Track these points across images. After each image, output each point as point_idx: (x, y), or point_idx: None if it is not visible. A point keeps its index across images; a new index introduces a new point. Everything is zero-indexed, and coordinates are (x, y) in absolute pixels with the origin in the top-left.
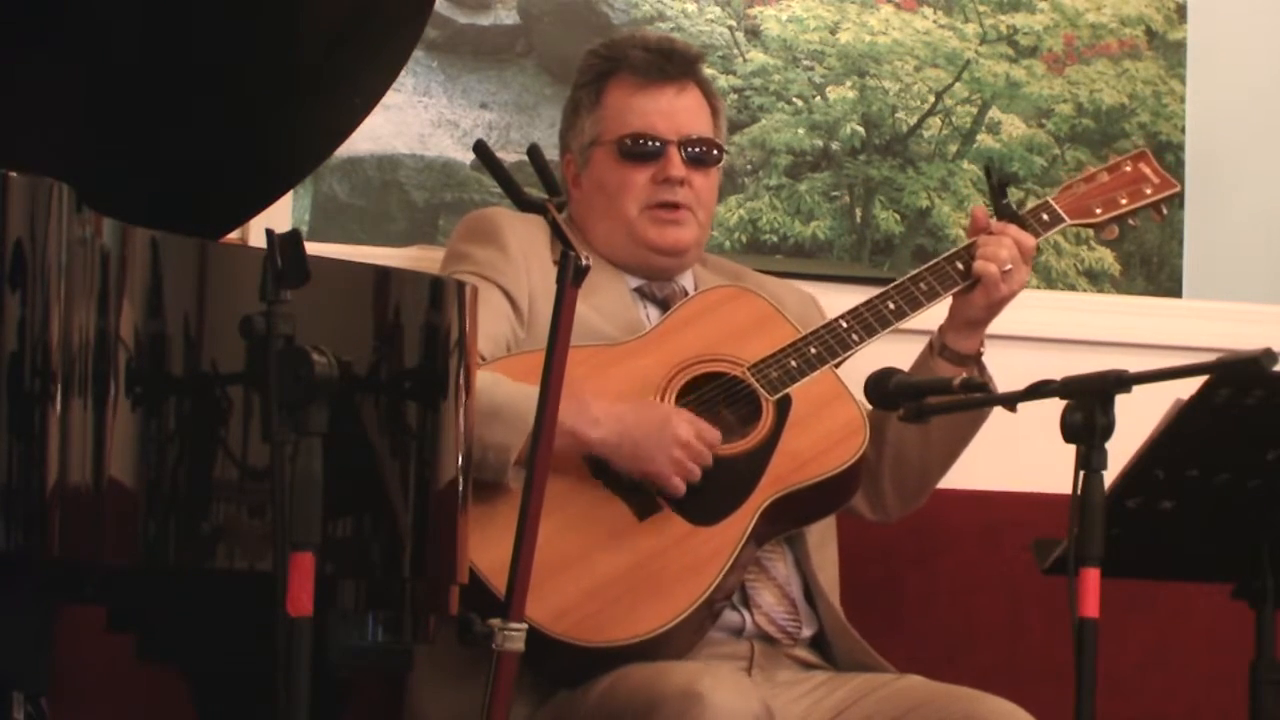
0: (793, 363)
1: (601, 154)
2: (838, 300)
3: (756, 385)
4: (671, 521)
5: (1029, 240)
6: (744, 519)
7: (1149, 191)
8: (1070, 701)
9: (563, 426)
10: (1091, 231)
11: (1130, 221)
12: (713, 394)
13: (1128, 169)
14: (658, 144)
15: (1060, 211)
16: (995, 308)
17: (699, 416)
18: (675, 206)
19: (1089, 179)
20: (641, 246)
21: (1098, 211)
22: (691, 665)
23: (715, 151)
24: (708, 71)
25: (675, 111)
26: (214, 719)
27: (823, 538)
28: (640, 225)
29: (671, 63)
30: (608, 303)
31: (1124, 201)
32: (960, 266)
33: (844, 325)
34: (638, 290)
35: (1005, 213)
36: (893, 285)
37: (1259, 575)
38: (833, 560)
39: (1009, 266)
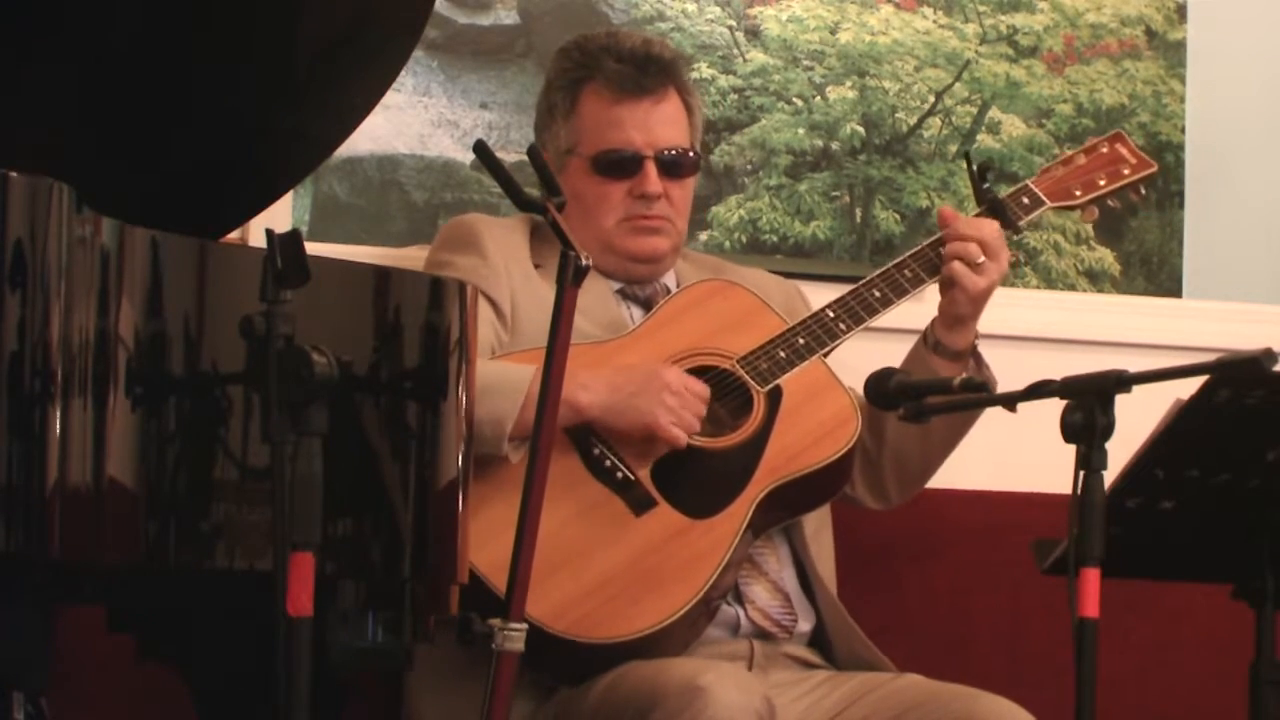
0: (782, 354)
1: (577, 165)
2: None
3: (747, 377)
4: (667, 516)
5: (990, 232)
6: (740, 511)
7: (1127, 172)
8: (1070, 701)
9: None
10: (1091, 230)
11: (1110, 202)
12: None
13: (1104, 150)
14: (634, 158)
15: (1040, 194)
16: (978, 302)
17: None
18: (651, 217)
19: (1067, 161)
20: (618, 256)
21: (1077, 193)
22: (694, 660)
23: (691, 156)
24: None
25: (651, 124)
26: (214, 719)
27: (818, 527)
28: (617, 236)
29: (647, 74)
30: (591, 303)
31: (1103, 182)
32: (942, 251)
33: (831, 314)
34: (620, 292)
35: (986, 197)
36: (877, 273)
37: (1259, 575)
38: (829, 550)
39: (980, 259)
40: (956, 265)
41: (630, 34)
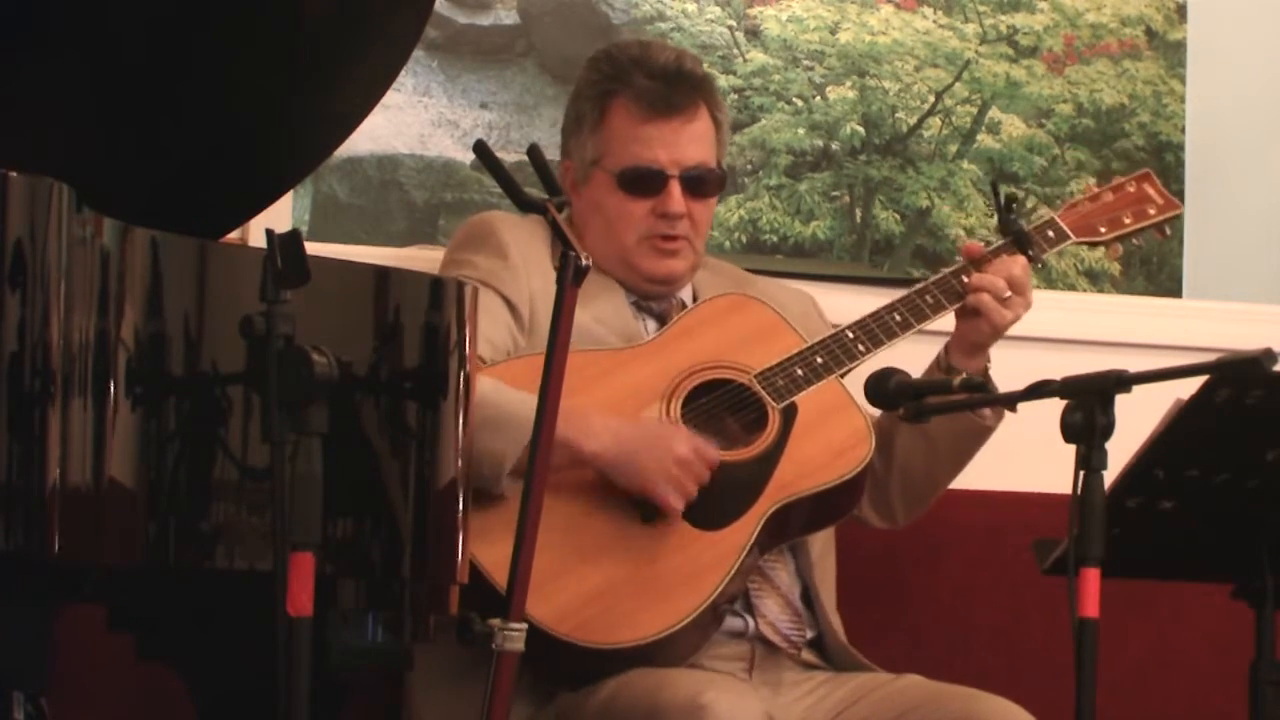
0: (799, 371)
1: (602, 178)
2: (837, 300)
3: (763, 393)
4: (677, 526)
5: (1019, 270)
6: (749, 525)
7: (1153, 212)
8: (1070, 701)
9: (559, 437)
10: (1106, 253)
11: (1134, 240)
12: (718, 401)
13: (1131, 189)
14: (659, 177)
15: (1066, 229)
16: (999, 332)
17: (704, 424)
18: (673, 238)
19: (1094, 198)
20: (636, 272)
21: (1102, 230)
22: (696, 675)
23: (716, 174)
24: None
25: (679, 143)
26: (214, 719)
27: (824, 549)
28: (636, 254)
29: (677, 91)
30: (607, 313)
31: (1128, 221)
32: (965, 280)
33: (850, 336)
34: (635, 304)
35: (1011, 229)
36: (899, 298)
37: (1259, 575)
38: (831, 573)
39: (1007, 294)
40: (985, 298)
41: (663, 47)
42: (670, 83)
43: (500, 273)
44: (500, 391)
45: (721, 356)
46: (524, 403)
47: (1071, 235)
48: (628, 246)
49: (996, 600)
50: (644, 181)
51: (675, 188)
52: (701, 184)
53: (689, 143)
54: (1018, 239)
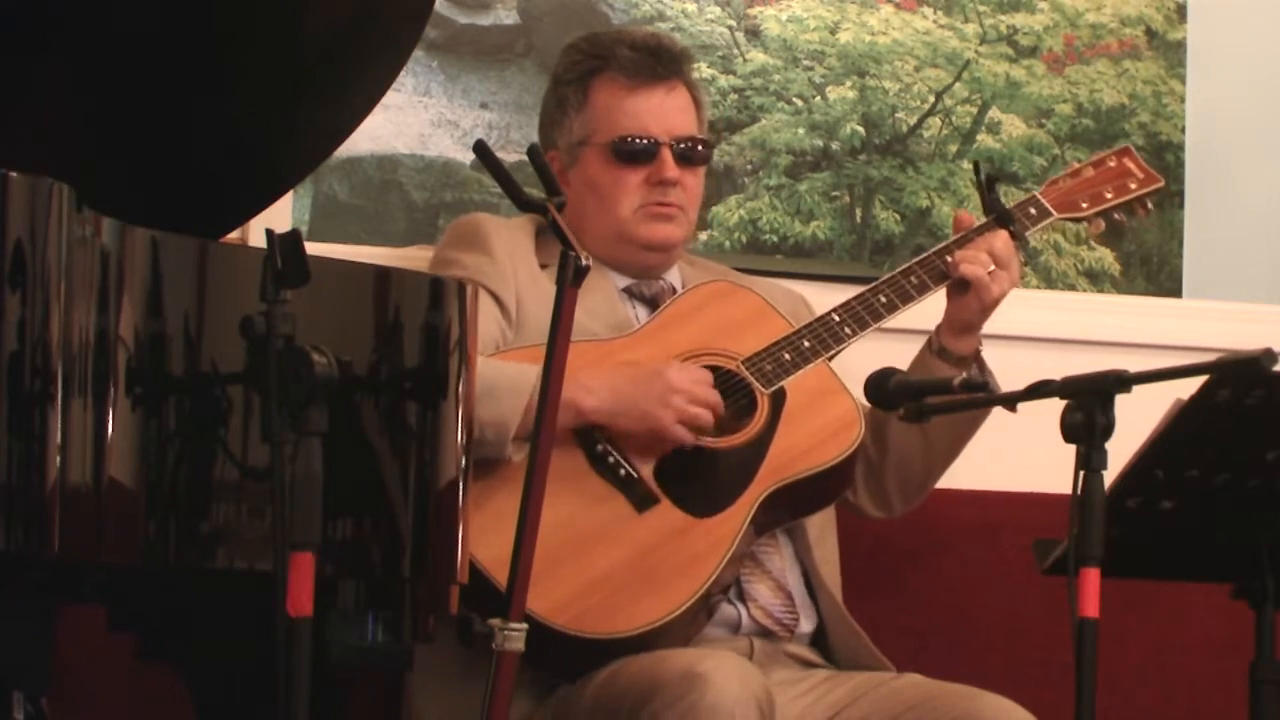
0: (786, 356)
1: (592, 154)
2: (837, 300)
3: (751, 378)
4: (670, 514)
5: (1000, 242)
6: (742, 511)
7: (1133, 186)
8: (1070, 701)
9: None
10: (1088, 228)
11: (1116, 216)
12: None
13: (1112, 164)
14: (651, 145)
15: (1048, 206)
16: (987, 310)
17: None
18: (668, 204)
19: (1074, 174)
20: (632, 244)
21: (1084, 206)
22: (692, 649)
23: (704, 149)
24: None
25: (666, 112)
26: (214, 719)
27: (822, 531)
28: (632, 223)
29: (660, 62)
30: (597, 302)
31: (1109, 196)
32: (950, 259)
33: (836, 319)
34: (626, 290)
35: (994, 208)
36: (883, 279)
37: (1259, 575)
38: (833, 553)
39: (991, 268)
40: (975, 269)
41: (637, 28)
42: (653, 53)
43: (487, 270)
44: (490, 363)
45: (709, 343)
46: (519, 370)
47: (1054, 212)
48: (624, 218)
49: (996, 600)
50: (636, 150)
51: (667, 155)
52: (692, 154)
53: (675, 113)
54: (1000, 217)
